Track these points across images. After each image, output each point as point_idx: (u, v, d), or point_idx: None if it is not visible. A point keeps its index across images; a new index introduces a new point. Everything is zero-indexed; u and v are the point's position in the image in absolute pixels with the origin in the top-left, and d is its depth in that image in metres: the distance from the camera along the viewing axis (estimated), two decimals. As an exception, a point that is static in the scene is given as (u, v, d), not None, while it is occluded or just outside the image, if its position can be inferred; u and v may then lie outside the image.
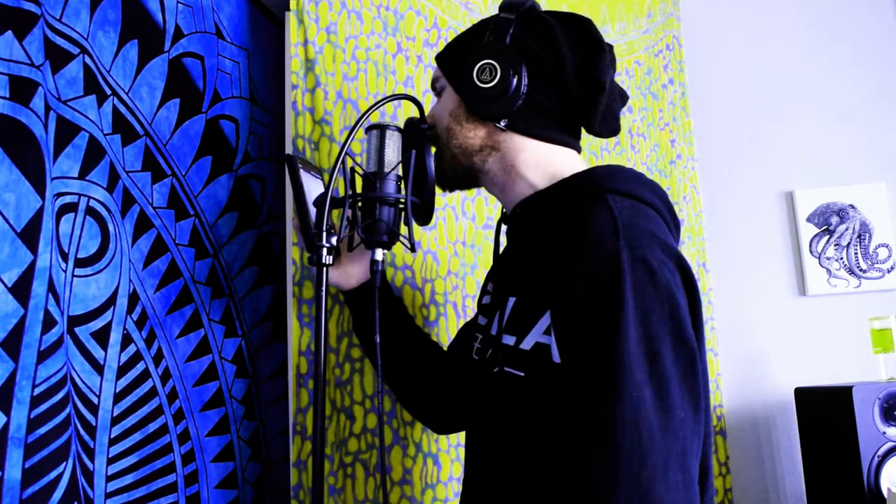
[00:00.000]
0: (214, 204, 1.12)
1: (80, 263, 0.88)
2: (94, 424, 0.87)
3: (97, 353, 0.89)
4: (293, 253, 1.13)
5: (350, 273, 1.08)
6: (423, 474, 1.25)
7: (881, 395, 1.55)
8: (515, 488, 0.84)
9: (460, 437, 1.31)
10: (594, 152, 1.80)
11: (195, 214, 1.08)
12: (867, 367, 1.86)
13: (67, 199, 0.87)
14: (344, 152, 0.95)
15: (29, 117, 0.76)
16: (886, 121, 2.11)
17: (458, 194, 1.40)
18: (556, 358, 0.78)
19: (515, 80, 0.91)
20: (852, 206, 2.07)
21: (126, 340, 0.93)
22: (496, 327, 0.90)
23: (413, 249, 0.99)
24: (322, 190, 1.06)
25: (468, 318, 1.32)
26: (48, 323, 0.76)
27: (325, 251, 0.95)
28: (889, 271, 2.04)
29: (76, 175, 0.88)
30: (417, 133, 1.00)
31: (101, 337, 0.90)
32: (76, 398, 0.84)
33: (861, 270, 2.05)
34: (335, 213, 1.09)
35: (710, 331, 2.07)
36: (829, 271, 2.07)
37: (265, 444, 1.19)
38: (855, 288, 2.05)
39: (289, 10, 1.18)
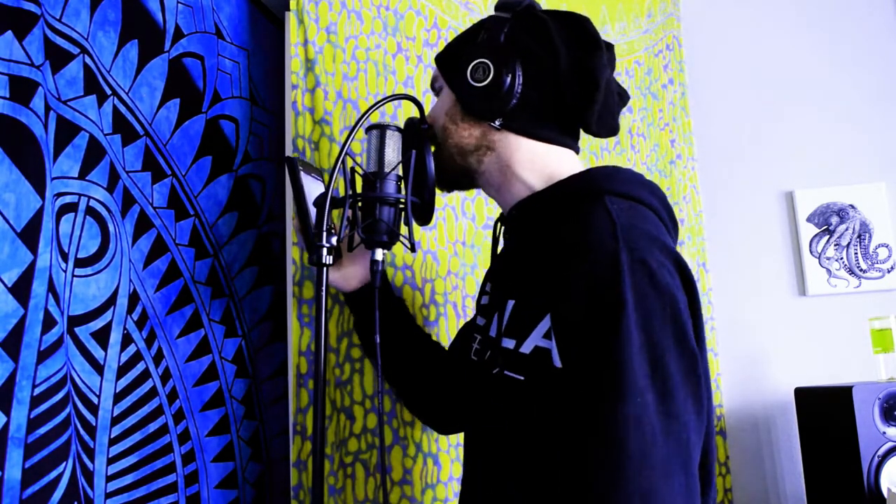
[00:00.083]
0: (214, 204, 1.12)
1: (80, 263, 0.88)
2: (94, 424, 0.87)
3: (97, 353, 0.89)
4: (293, 253, 1.13)
5: (350, 273, 1.07)
6: (423, 474, 1.25)
7: (881, 395, 1.55)
8: (515, 488, 0.83)
9: (460, 438, 1.31)
10: (594, 152, 1.80)
11: (195, 214, 1.08)
12: (867, 367, 1.86)
13: (67, 199, 0.87)
14: (344, 152, 0.95)
15: (29, 117, 0.76)
16: (886, 121, 2.11)
17: (458, 194, 1.40)
18: (557, 362, 0.77)
19: (509, 79, 0.90)
20: (852, 206, 2.07)
21: (126, 340, 0.93)
22: (495, 329, 0.90)
23: (413, 249, 0.99)
24: (322, 191, 1.06)
25: (468, 319, 1.32)
26: (48, 323, 0.76)
27: (325, 251, 0.95)
28: (889, 271, 2.04)
29: (76, 175, 0.88)
30: (417, 133, 0.99)
31: (101, 337, 0.89)
32: (76, 398, 0.84)
33: (861, 270, 2.05)
34: (335, 213, 1.09)
35: (710, 331, 2.07)
36: (829, 271, 2.07)
37: (265, 444, 1.18)
38: (855, 288, 2.05)
39: (289, 10, 1.18)
